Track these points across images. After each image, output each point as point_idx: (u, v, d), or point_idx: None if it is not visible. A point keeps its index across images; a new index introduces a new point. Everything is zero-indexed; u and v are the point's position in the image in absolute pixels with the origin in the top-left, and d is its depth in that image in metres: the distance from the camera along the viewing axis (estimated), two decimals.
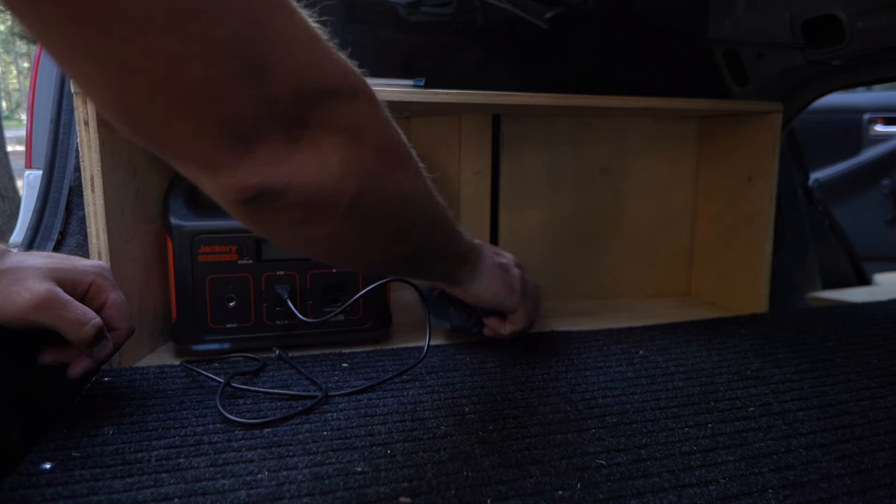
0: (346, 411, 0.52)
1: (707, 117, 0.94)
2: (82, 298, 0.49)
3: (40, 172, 0.72)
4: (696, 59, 1.02)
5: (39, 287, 0.44)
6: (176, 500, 0.38)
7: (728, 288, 0.92)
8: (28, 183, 1.12)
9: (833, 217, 1.43)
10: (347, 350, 0.68)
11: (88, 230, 0.59)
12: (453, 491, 0.39)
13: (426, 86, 0.68)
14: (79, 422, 0.49)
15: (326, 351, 0.67)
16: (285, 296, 0.65)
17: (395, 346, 0.69)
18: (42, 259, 0.48)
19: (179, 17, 0.25)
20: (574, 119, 0.92)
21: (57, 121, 0.72)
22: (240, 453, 0.44)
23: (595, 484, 0.40)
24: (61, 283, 0.47)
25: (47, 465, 0.42)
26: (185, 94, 0.27)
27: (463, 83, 0.70)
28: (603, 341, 0.72)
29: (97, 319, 0.47)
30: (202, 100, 0.27)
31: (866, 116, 2.01)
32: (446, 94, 0.67)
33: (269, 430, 0.48)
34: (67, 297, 0.46)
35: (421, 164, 0.43)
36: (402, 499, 0.39)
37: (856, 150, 1.97)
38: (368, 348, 0.69)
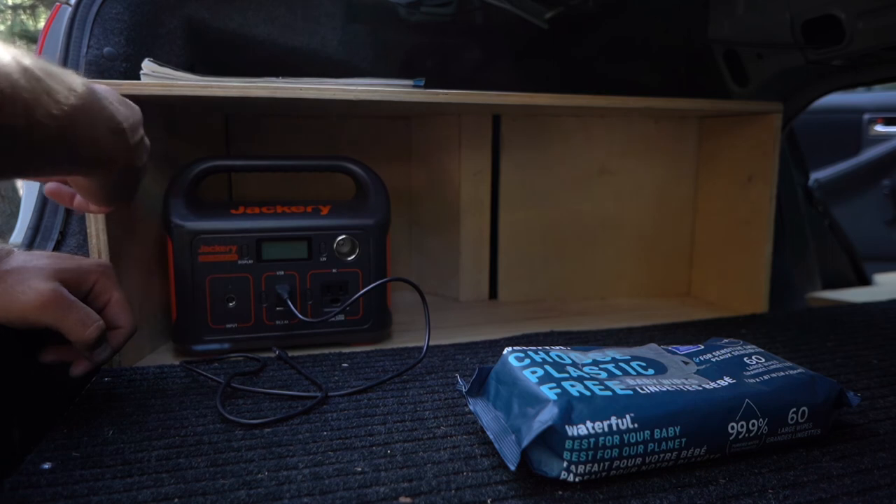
0: (346, 411, 0.52)
1: (707, 117, 0.94)
2: (86, 297, 0.49)
3: None
4: (696, 59, 1.02)
5: (44, 287, 0.44)
6: (176, 500, 0.38)
7: (728, 288, 0.92)
8: (28, 183, 1.12)
9: (833, 217, 1.43)
10: (347, 350, 0.68)
11: (88, 230, 0.59)
12: (453, 491, 0.39)
13: (426, 86, 0.68)
14: (79, 422, 0.49)
15: (326, 351, 0.67)
16: (285, 296, 0.65)
17: (395, 346, 0.69)
18: (46, 259, 0.48)
19: None
20: (574, 119, 0.92)
21: None
22: (240, 453, 0.44)
23: (596, 484, 0.40)
24: (65, 282, 0.47)
25: (47, 465, 0.42)
26: None
27: (463, 83, 0.70)
28: (603, 341, 0.72)
29: (100, 322, 0.47)
30: None
31: (866, 116, 2.01)
32: (446, 94, 0.67)
33: (268, 430, 0.48)
34: (72, 297, 0.46)
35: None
36: (402, 499, 0.39)
37: (856, 150, 1.97)
38: (368, 348, 0.69)
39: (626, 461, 0.40)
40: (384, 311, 0.72)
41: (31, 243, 0.66)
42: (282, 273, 0.67)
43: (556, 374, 0.44)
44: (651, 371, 0.47)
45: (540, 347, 0.49)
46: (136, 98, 0.63)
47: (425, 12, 0.94)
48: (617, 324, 0.79)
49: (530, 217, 0.94)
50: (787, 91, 1.01)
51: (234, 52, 0.84)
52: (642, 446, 0.40)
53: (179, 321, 0.66)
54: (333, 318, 0.68)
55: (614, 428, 0.39)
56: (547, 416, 0.39)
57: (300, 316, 0.64)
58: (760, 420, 0.43)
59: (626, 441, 0.40)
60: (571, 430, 0.38)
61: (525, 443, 0.39)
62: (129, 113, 0.45)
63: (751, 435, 0.43)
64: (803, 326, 0.78)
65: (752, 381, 0.46)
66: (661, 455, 0.41)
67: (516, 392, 0.44)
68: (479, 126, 0.91)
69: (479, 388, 0.49)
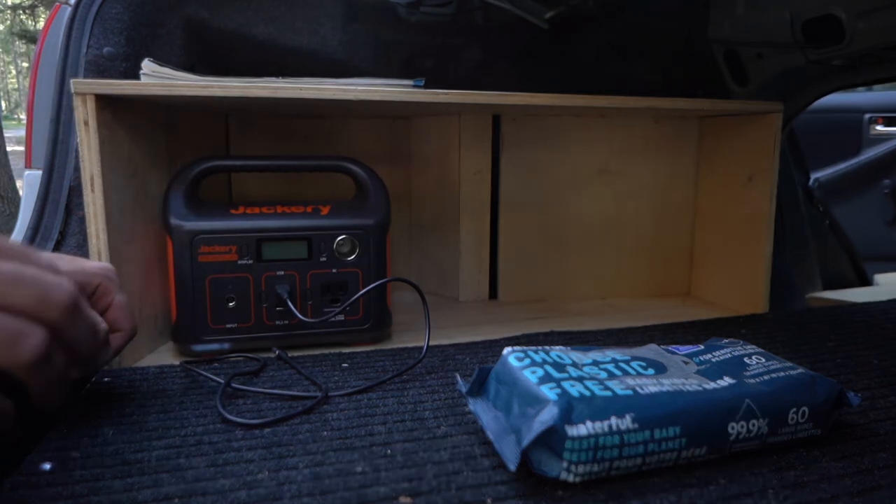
0: (346, 411, 0.52)
1: (707, 117, 0.94)
2: (88, 300, 0.49)
3: (40, 172, 0.72)
4: (696, 59, 1.02)
5: None
6: (176, 500, 0.38)
7: (728, 288, 0.92)
8: (28, 183, 1.11)
9: (833, 217, 1.43)
10: (347, 350, 0.68)
11: (88, 230, 0.59)
12: (453, 491, 0.39)
13: (426, 86, 0.68)
14: (79, 422, 0.48)
15: (326, 351, 0.67)
16: (285, 296, 0.65)
17: (395, 346, 0.69)
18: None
19: None
20: (574, 119, 0.92)
21: (57, 121, 0.72)
22: (240, 453, 0.44)
23: (596, 484, 0.40)
24: None
25: (47, 465, 0.42)
26: None
27: (463, 83, 0.70)
28: (603, 341, 0.72)
29: (104, 324, 0.47)
30: None
31: (866, 116, 2.01)
32: (446, 94, 0.67)
33: (269, 430, 0.48)
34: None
35: None
36: (402, 499, 0.39)
37: (856, 150, 1.97)
38: (368, 348, 0.69)
39: (626, 461, 0.40)
40: (384, 311, 0.72)
41: (31, 243, 0.66)
42: (282, 273, 0.67)
43: (556, 374, 0.44)
44: (651, 371, 0.47)
45: (540, 347, 0.49)
46: (136, 98, 0.63)
47: (425, 12, 0.95)
48: (617, 324, 0.79)
49: (530, 217, 0.94)
50: (787, 91, 1.01)
51: (235, 53, 0.84)
52: (642, 446, 0.40)
53: (179, 321, 0.66)
54: (333, 318, 0.68)
55: (614, 428, 0.39)
56: (547, 416, 0.39)
57: (300, 316, 0.64)
58: (760, 420, 0.43)
59: (626, 441, 0.40)
60: (571, 431, 0.38)
61: (525, 443, 0.39)
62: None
63: (751, 435, 0.43)
64: (803, 326, 0.78)
65: (752, 381, 0.46)
66: (662, 455, 0.41)
67: (516, 392, 0.43)
68: (479, 126, 0.91)
69: (479, 388, 0.49)
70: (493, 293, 0.96)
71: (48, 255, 0.48)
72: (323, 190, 0.91)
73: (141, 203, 0.67)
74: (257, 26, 0.84)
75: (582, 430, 0.39)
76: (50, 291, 0.35)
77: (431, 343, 0.65)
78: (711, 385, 0.45)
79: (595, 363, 0.47)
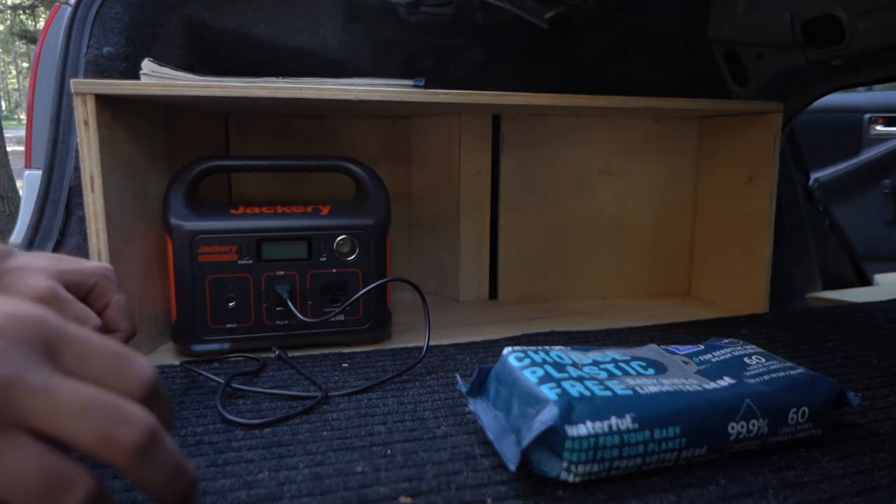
0: (346, 411, 0.52)
1: (707, 117, 0.94)
2: (85, 299, 0.49)
3: (40, 172, 0.72)
4: (696, 59, 1.02)
5: (41, 284, 0.44)
6: None
7: (728, 288, 0.92)
8: (28, 183, 1.12)
9: (833, 217, 1.43)
10: (347, 350, 0.68)
11: (88, 230, 0.59)
12: (453, 491, 0.39)
13: (426, 86, 0.68)
14: None
15: (326, 351, 0.67)
16: (285, 296, 0.66)
17: (395, 346, 0.69)
18: (47, 260, 0.47)
19: None
20: (574, 119, 0.92)
21: (57, 121, 0.72)
22: (240, 453, 0.44)
23: (596, 484, 0.40)
24: (66, 283, 0.46)
25: None
26: None
27: (463, 83, 0.70)
28: (603, 341, 0.72)
29: (97, 321, 0.47)
30: None
31: (866, 116, 2.00)
32: (446, 94, 0.67)
33: (269, 430, 0.48)
34: (68, 295, 0.46)
35: None
36: (402, 499, 0.39)
37: (856, 150, 1.97)
38: (368, 348, 0.69)
39: (626, 461, 0.40)
40: (384, 311, 0.72)
41: (30, 243, 0.66)
42: (282, 273, 0.67)
43: (556, 374, 0.44)
44: (651, 371, 0.47)
45: (540, 347, 0.49)
46: (136, 98, 0.63)
47: (425, 12, 0.95)
48: (617, 324, 0.79)
49: (530, 217, 0.94)
50: (787, 91, 1.01)
51: (234, 53, 0.84)
52: (642, 446, 0.40)
53: (179, 321, 0.66)
54: (333, 318, 0.68)
55: (614, 428, 0.39)
56: (547, 416, 0.39)
57: (300, 316, 0.64)
58: (760, 420, 0.43)
59: (626, 441, 0.40)
60: (571, 431, 0.38)
61: (525, 443, 0.39)
62: None
63: (751, 435, 0.43)
64: (803, 326, 0.78)
65: (752, 381, 0.46)
66: (662, 455, 0.41)
67: (516, 392, 0.44)
68: (479, 126, 0.91)
69: (479, 388, 0.49)
70: (493, 293, 0.96)
71: (47, 258, 0.47)
72: (323, 190, 0.91)
73: (141, 203, 0.67)
74: (257, 26, 0.84)
75: (582, 430, 0.39)
76: (120, 427, 0.27)
77: (431, 343, 0.65)
78: (711, 385, 0.45)
79: (595, 363, 0.47)
